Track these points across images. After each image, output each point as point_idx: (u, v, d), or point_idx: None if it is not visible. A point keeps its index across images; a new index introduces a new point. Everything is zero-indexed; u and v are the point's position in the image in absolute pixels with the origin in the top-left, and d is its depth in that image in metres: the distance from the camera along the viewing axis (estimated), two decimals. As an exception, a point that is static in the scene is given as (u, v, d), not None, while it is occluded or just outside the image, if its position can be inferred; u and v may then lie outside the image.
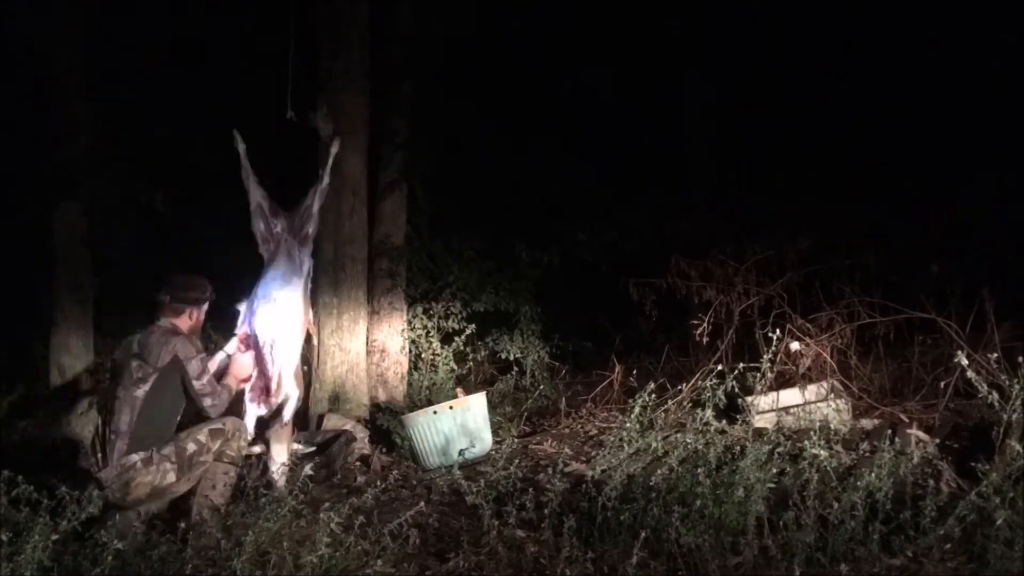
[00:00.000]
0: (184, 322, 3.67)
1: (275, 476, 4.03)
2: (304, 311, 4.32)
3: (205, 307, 3.80)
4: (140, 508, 3.40)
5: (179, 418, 3.56)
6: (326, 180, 4.58)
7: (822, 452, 3.03)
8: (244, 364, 3.97)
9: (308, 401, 5.24)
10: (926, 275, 5.44)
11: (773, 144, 7.14)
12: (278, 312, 4.14)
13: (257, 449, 4.08)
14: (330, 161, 4.68)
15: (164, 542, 2.99)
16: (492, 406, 5.32)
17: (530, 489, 3.24)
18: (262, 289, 4.21)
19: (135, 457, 3.38)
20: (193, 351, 3.55)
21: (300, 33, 4.88)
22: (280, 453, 4.13)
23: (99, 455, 3.43)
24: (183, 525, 3.10)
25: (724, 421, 3.92)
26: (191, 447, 3.47)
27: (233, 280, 6.15)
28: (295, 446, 4.42)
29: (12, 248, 5.90)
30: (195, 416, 3.59)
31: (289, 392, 4.15)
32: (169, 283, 3.64)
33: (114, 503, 3.35)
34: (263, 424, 4.12)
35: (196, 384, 3.52)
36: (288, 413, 4.17)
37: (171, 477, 3.42)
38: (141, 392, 3.44)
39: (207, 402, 3.55)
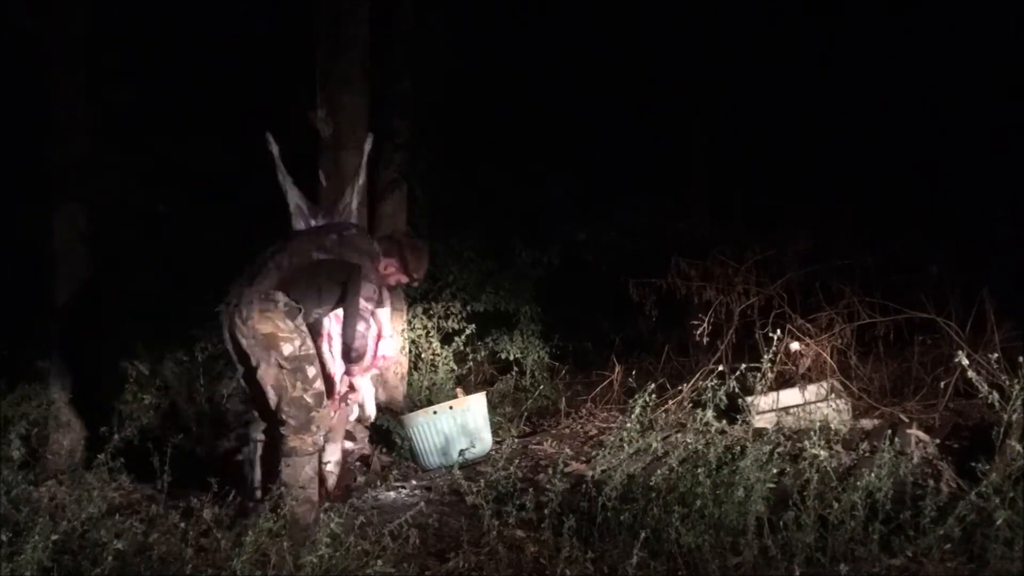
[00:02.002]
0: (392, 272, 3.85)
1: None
2: None
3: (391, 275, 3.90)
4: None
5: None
6: (363, 177, 4.57)
7: (822, 452, 3.03)
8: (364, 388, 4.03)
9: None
10: (926, 275, 5.44)
11: (773, 144, 7.14)
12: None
13: (349, 445, 4.13)
14: (364, 159, 4.66)
15: (164, 542, 2.99)
16: (492, 406, 5.32)
17: (530, 489, 3.24)
18: None
19: (282, 297, 3.43)
20: (376, 277, 3.65)
21: (300, 33, 4.88)
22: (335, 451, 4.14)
23: (243, 276, 3.51)
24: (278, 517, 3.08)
25: (724, 421, 3.91)
26: (297, 385, 3.47)
27: (231, 279, 6.19)
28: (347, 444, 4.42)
29: (12, 248, 5.90)
30: None
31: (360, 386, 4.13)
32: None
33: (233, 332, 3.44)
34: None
35: (363, 299, 3.55)
36: (358, 410, 4.21)
37: (289, 351, 3.43)
38: (317, 256, 3.54)
39: (361, 327, 3.56)
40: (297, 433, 3.47)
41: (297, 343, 3.46)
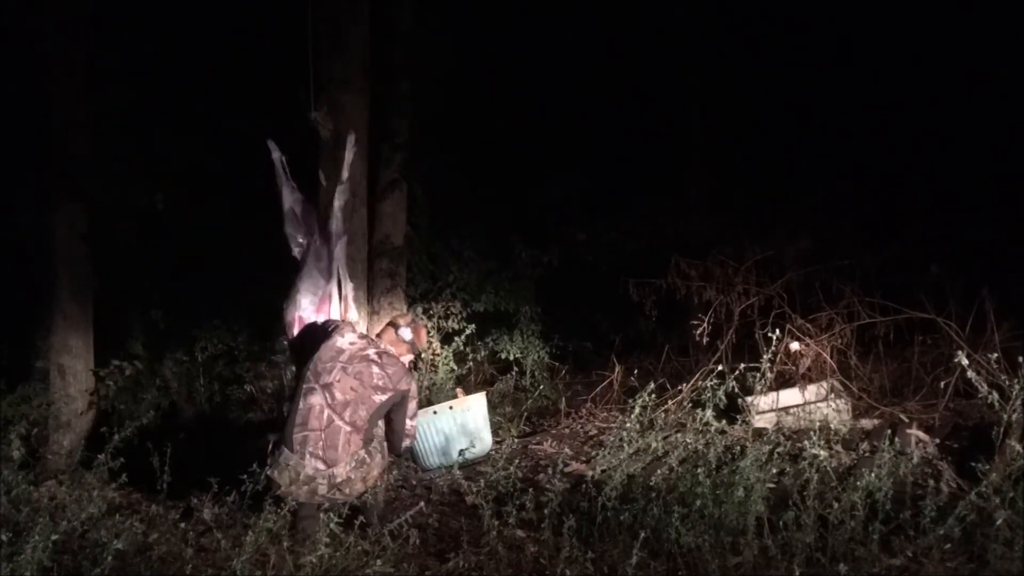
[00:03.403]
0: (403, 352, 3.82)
1: None
2: (339, 306, 4.30)
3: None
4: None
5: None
6: (346, 173, 4.56)
7: (822, 452, 3.03)
8: None
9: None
10: (926, 275, 5.44)
11: (773, 144, 7.14)
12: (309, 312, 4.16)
13: None
14: (348, 158, 4.65)
15: (164, 542, 2.99)
16: (492, 406, 5.32)
17: (530, 489, 3.24)
18: (297, 292, 4.19)
19: (362, 451, 3.50)
20: (415, 392, 3.73)
21: (300, 33, 4.87)
22: None
23: (320, 449, 3.44)
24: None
25: (724, 421, 3.91)
26: (380, 432, 3.65)
27: (233, 279, 6.20)
28: None
29: (12, 248, 5.90)
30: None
31: None
32: (413, 323, 3.88)
33: (333, 498, 3.44)
34: None
35: (408, 424, 3.68)
36: None
37: (380, 460, 3.59)
38: (379, 398, 3.55)
39: (406, 443, 3.73)
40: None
41: (380, 451, 3.62)
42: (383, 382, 3.55)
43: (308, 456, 3.40)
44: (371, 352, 3.63)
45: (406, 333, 3.80)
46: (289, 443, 3.44)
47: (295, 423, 3.47)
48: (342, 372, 3.54)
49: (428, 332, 4.19)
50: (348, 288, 4.25)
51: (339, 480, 3.42)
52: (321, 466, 3.40)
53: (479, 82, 6.83)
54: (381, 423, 3.64)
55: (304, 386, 3.54)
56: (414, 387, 3.71)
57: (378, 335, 3.90)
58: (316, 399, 3.49)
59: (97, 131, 5.42)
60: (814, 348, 5.10)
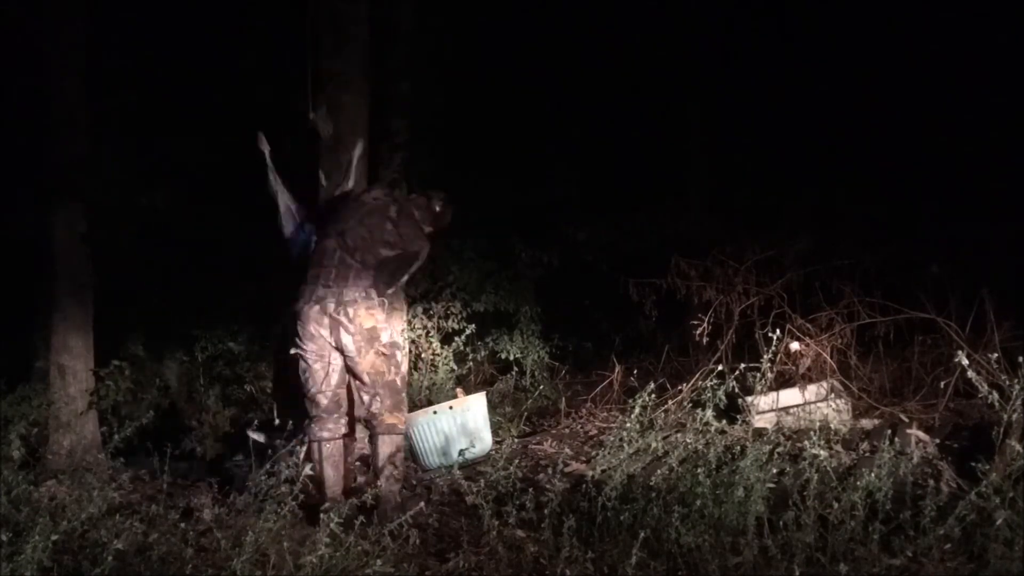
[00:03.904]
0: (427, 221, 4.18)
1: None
2: None
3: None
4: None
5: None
6: (352, 181, 4.58)
7: (822, 452, 3.03)
8: None
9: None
10: (926, 275, 5.43)
11: (773, 144, 7.13)
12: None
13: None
14: (354, 162, 4.65)
15: (164, 542, 2.99)
16: (492, 406, 5.32)
17: (530, 489, 3.24)
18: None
19: (376, 294, 3.82)
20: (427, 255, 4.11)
21: (299, 33, 4.88)
22: None
23: (331, 280, 3.79)
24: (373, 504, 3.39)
25: (724, 421, 3.91)
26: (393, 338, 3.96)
27: (233, 279, 6.20)
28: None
29: (12, 248, 5.89)
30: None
31: None
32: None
33: (331, 326, 3.74)
34: None
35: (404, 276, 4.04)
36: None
37: (386, 339, 3.85)
38: (384, 253, 3.86)
39: (393, 289, 4.01)
40: (392, 412, 3.83)
41: (389, 331, 3.90)
42: (393, 239, 3.86)
43: (320, 286, 3.78)
44: (392, 210, 3.95)
45: (437, 204, 4.12)
46: (305, 282, 3.85)
47: (311, 264, 3.88)
48: (357, 223, 3.89)
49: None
50: None
51: (346, 299, 3.73)
52: (332, 286, 3.76)
53: (479, 82, 6.82)
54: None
55: (321, 233, 3.99)
56: (425, 251, 3.99)
57: (411, 196, 4.27)
58: (329, 242, 3.87)
59: (97, 131, 5.42)
60: (814, 348, 5.09)
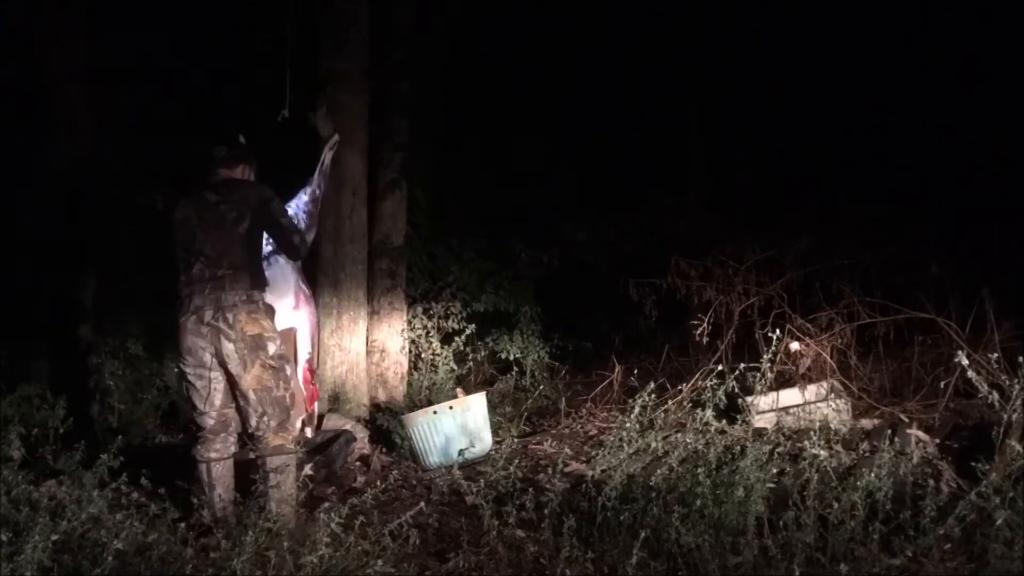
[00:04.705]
0: (240, 175, 3.72)
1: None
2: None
3: (254, 168, 3.82)
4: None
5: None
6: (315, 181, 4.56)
7: (822, 452, 3.03)
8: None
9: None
10: (926, 275, 5.43)
11: (773, 144, 7.14)
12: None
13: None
14: (327, 159, 4.64)
15: (164, 542, 2.99)
16: (492, 406, 5.32)
17: (530, 489, 3.24)
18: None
19: (258, 295, 3.48)
20: (273, 193, 3.61)
21: (300, 33, 4.88)
22: None
23: (208, 291, 3.42)
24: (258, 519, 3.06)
25: (724, 421, 3.91)
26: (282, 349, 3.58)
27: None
28: None
29: (12, 248, 5.90)
30: None
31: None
32: (223, 141, 3.72)
33: (215, 335, 3.41)
34: None
35: (284, 221, 3.59)
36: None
37: (273, 350, 3.49)
38: (243, 229, 3.48)
39: (295, 239, 3.62)
40: (278, 432, 3.54)
41: (278, 342, 3.56)
42: (235, 212, 3.48)
43: (199, 298, 3.46)
44: (211, 199, 3.55)
45: (219, 151, 3.68)
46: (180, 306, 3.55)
47: (182, 295, 3.54)
48: (199, 230, 3.52)
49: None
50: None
51: (225, 304, 3.40)
52: (210, 294, 3.45)
53: (479, 82, 6.83)
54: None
55: None
56: (268, 190, 3.61)
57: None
58: (195, 269, 3.52)
59: (97, 131, 5.43)
60: (814, 348, 5.09)
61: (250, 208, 3.51)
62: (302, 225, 4.15)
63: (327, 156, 4.63)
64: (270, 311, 3.60)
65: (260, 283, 3.56)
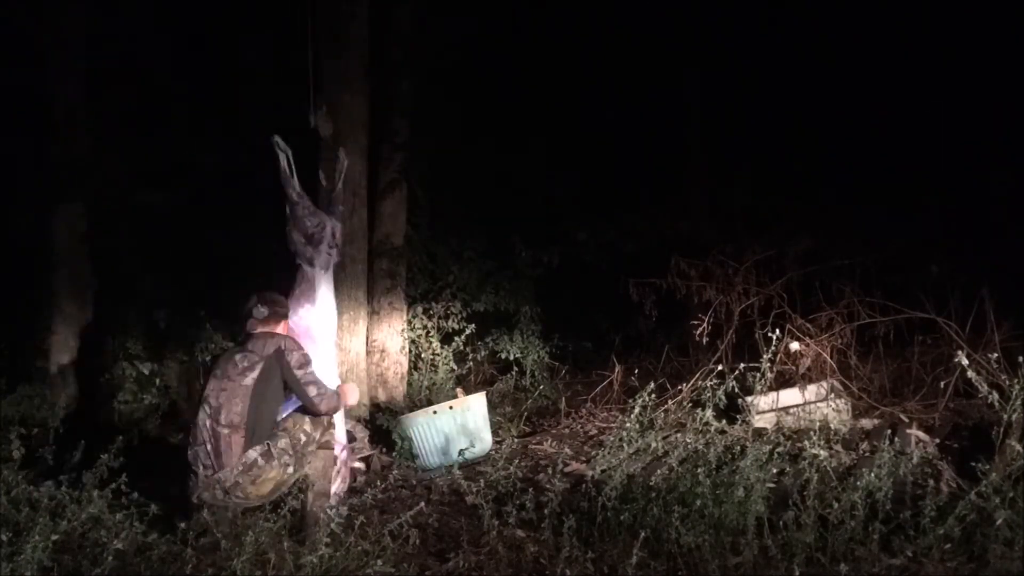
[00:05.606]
0: (275, 330, 3.66)
1: None
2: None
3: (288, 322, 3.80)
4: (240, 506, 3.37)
5: (278, 417, 3.55)
6: (340, 186, 4.52)
7: (822, 452, 3.03)
8: (351, 391, 3.91)
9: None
10: (926, 275, 5.44)
11: (773, 144, 7.14)
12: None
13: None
14: (343, 169, 4.61)
15: (164, 542, 2.99)
16: (492, 406, 5.32)
17: (530, 489, 3.24)
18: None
19: (254, 453, 3.37)
20: (295, 345, 3.55)
21: (300, 33, 4.88)
22: None
23: (209, 458, 3.35)
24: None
25: (724, 421, 3.91)
26: (302, 437, 3.48)
27: (233, 279, 6.20)
28: None
29: (12, 248, 5.90)
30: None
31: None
32: (265, 300, 3.64)
33: (232, 504, 3.31)
34: None
35: (299, 373, 3.49)
36: None
37: (291, 470, 3.41)
38: (250, 380, 3.40)
39: (312, 392, 3.50)
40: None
41: (288, 439, 3.45)
42: (247, 362, 3.43)
43: (201, 467, 3.34)
44: (235, 350, 3.54)
45: (261, 311, 3.58)
46: (187, 464, 3.42)
47: (187, 443, 3.45)
48: (213, 379, 3.47)
49: None
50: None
51: (228, 485, 3.30)
52: (210, 472, 3.33)
53: (479, 81, 6.83)
54: (285, 421, 3.50)
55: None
56: (289, 341, 3.54)
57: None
58: (200, 415, 3.42)
59: (97, 131, 5.43)
60: (814, 348, 5.09)
61: (262, 357, 3.45)
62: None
63: (339, 183, 4.56)
64: (269, 454, 3.42)
65: (262, 438, 3.43)
